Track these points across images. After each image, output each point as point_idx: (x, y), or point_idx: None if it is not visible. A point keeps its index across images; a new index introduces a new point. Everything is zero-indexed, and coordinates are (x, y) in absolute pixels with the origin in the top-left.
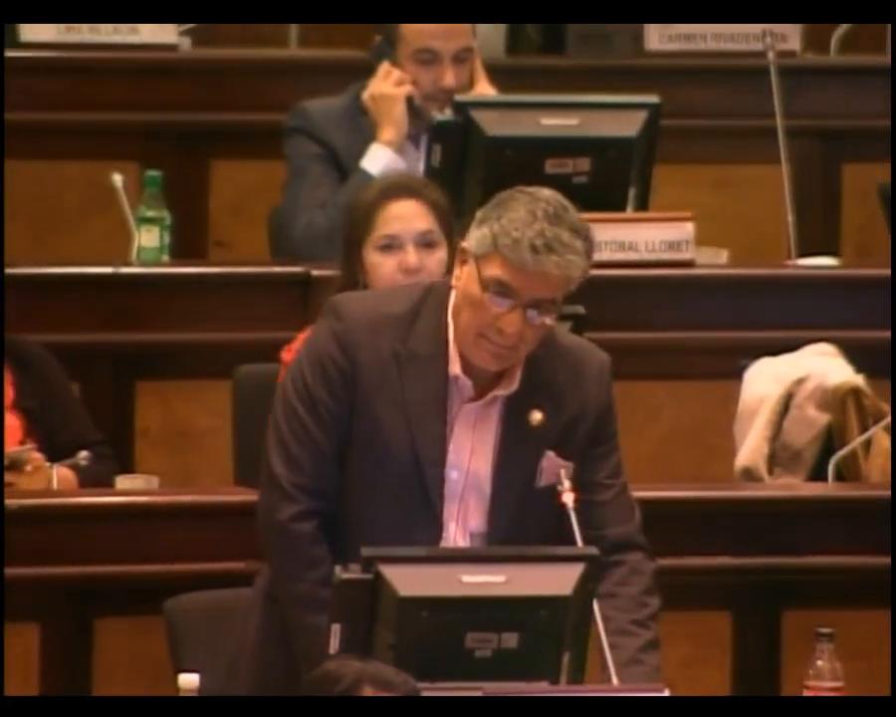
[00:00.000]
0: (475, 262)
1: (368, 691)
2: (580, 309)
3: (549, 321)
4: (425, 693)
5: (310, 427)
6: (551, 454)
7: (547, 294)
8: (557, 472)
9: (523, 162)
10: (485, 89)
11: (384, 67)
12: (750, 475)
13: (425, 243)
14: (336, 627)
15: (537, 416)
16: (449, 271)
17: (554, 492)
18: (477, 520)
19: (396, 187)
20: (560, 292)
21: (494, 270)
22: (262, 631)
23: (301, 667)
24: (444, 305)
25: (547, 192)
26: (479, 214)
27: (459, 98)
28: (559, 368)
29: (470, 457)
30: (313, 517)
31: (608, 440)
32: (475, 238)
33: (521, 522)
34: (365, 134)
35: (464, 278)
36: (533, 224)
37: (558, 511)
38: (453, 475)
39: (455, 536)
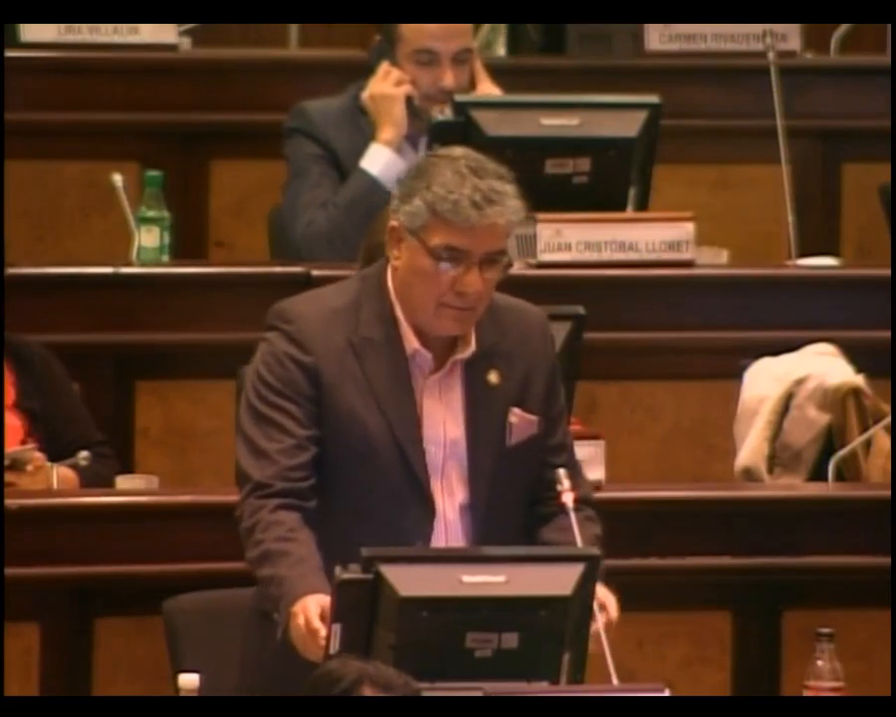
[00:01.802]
0: (414, 236)
1: (368, 691)
2: (580, 309)
3: (501, 272)
4: (425, 693)
5: (278, 421)
6: (517, 410)
7: (496, 245)
8: (526, 427)
9: (523, 162)
10: (489, 89)
11: (384, 67)
12: (750, 475)
13: None
14: (336, 627)
15: (493, 378)
16: None
17: (528, 449)
18: (461, 490)
19: None
20: (506, 239)
21: (440, 237)
22: (254, 655)
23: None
24: (383, 287)
25: (458, 150)
26: (400, 190)
27: (459, 98)
28: (504, 328)
29: (444, 428)
30: (281, 496)
31: (559, 399)
32: (406, 213)
33: (499, 484)
34: (365, 134)
35: (404, 256)
36: (464, 183)
37: (533, 464)
38: (431, 449)
39: (445, 510)
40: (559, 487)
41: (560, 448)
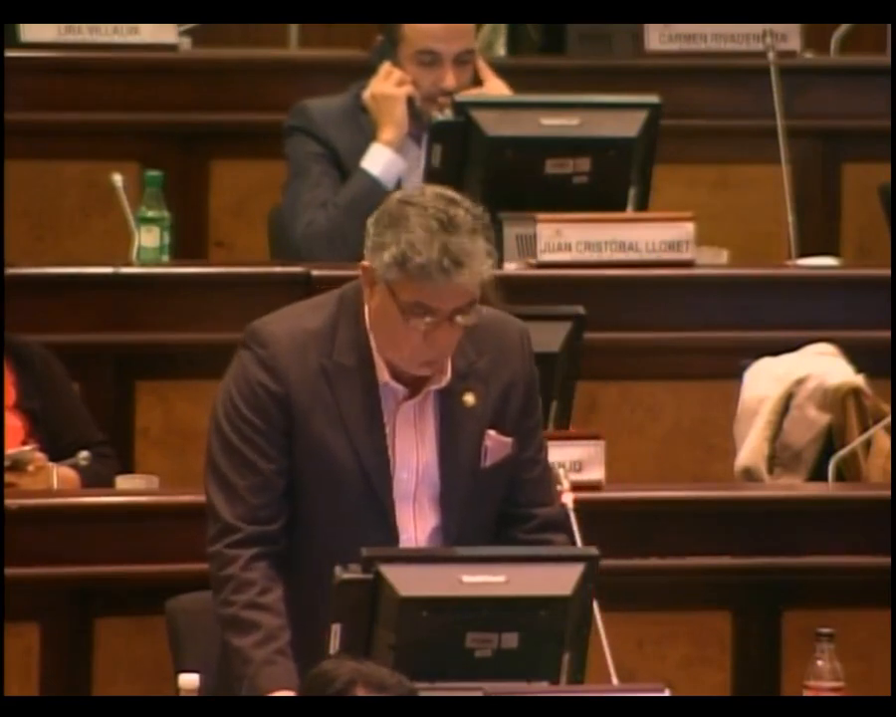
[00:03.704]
0: (386, 286)
1: (362, 692)
2: (580, 309)
3: (472, 318)
4: (425, 693)
5: (248, 457)
6: (492, 433)
7: (466, 300)
8: (500, 449)
9: (523, 162)
10: (497, 86)
11: (385, 67)
12: (750, 475)
13: None
14: (336, 627)
15: (469, 399)
16: None
17: (502, 469)
18: (433, 514)
19: None
20: (477, 290)
21: (410, 295)
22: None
23: (233, 686)
24: (360, 315)
25: (429, 194)
26: (372, 232)
27: (459, 98)
28: (482, 348)
29: (417, 454)
30: (253, 543)
31: (535, 413)
32: (379, 263)
33: (472, 507)
34: (366, 134)
35: (377, 298)
36: (433, 242)
37: (505, 482)
38: (403, 476)
39: (416, 536)
40: (558, 487)
41: (531, 463)
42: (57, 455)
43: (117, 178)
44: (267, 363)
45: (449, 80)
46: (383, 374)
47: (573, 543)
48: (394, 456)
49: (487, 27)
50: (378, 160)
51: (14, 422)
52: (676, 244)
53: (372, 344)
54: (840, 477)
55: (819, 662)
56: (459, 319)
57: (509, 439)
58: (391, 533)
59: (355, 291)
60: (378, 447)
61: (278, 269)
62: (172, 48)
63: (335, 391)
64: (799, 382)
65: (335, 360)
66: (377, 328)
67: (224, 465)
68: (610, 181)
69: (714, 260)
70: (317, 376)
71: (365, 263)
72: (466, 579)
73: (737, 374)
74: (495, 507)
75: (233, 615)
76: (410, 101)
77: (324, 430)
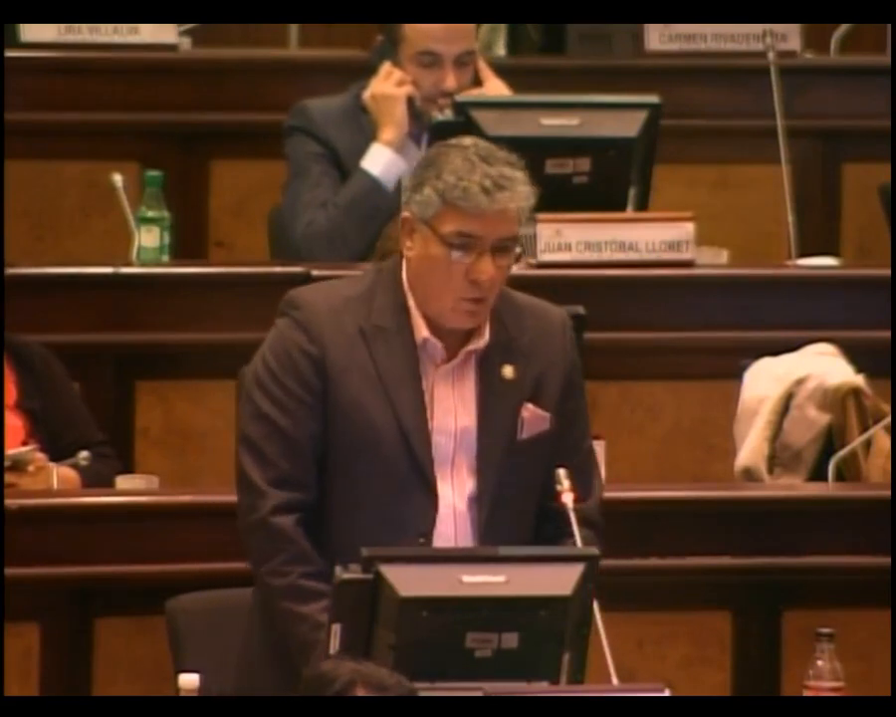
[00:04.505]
0: (426, 225)
1: (361, 692)
2: (580, 309)
3: (512, 260)
4: (425, 693)
5: (279, 423)
6: (530, 406)
7: (508, 231)
8: (538, 423)
9: (523, 162)
10: (497, 86)
11: (386, 67)
12: (750, 475)
13: None
14: (336, 627)
15: (508, 372)
16: None
17: (539, 445)
18: (470, 480)
19: None
20: (518, 226)
21: (452, 224)
22: (251, 654)
23: (295, 657)
24: (398, 279)
25: (468, 139)
26: (410, 180)
27: (459, 98)
28: (523, 325)
29: (455, 418)
30: (291, 510)
31: (576, 399)
32: (418, 203)
33: (507, 477)
34: (366, 134)
35: (417, 246)
36: (474, 170)
37: (544, 464)
38: (441, 439)
39: (453, 500)
40: (557, 487)
41: (572, 451)
42: (57, 455)
43: (117, 178)
44: (303, 325)
45: (449, 81)
46: (421, 332)
47: (599, 539)
48: (432, 419)
49: (487, 27)
50: (378, 160)
51: (14, 422)
52: (676, 244)
53: (411, 304)
54: (840, 477)
55: (819, 662)
56: (500, 260)
57: (546, 414)
58: (431, 493)
59: (393, 262)
60: (416, 406)
61: (278, 269)
62: (172, 48)
63: (372, 351)
64: (799, 382)
65: (372, 323)
66: (418, 279)
67: (254, 433)
68: (610, 181)
69: (714, 260)
70: (353, 338)
71: (405, 214)
72: (466, 579)
73: (737, 374)
74: (532, 483)
75: (291, 584)
76: (410, 101)
77: (360, 390)
